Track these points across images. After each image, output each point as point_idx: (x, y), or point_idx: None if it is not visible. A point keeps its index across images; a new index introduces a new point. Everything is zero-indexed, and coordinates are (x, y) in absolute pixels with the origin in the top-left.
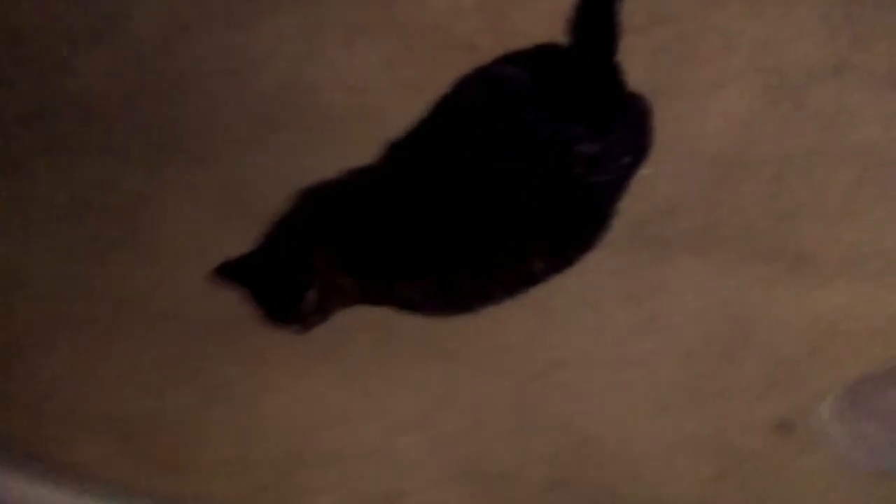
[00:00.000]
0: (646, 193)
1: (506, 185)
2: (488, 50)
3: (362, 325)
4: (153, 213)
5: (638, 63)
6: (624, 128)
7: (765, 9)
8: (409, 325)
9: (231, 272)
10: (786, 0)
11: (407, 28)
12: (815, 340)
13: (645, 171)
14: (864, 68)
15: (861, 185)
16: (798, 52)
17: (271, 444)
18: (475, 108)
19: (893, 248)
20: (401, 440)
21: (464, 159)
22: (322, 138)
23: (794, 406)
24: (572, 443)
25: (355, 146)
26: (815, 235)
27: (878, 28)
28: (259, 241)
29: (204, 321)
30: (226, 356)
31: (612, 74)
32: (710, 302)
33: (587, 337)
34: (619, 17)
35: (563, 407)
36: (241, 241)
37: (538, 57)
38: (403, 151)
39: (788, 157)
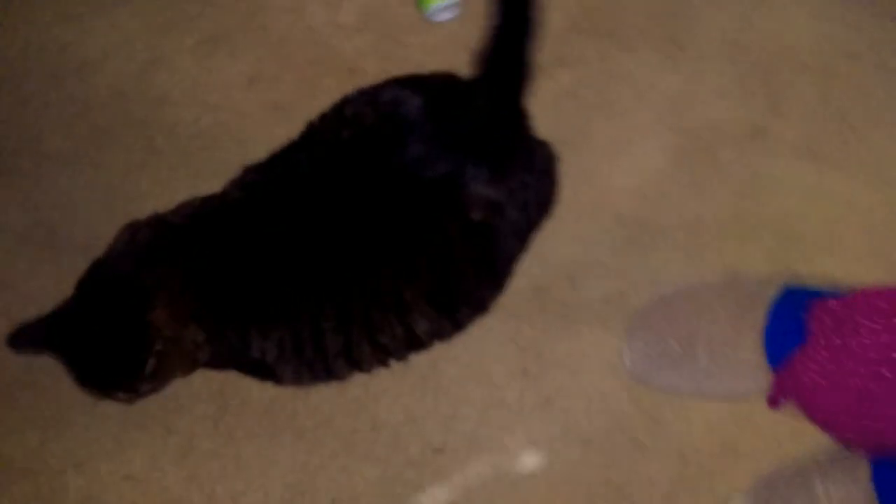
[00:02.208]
0: (548, 253)
1: (384, 226)
2: (371, 74)
3: (199, 393)
4: None
5: (542, 107)
6: (528, 175)
7: (679, 62)
8: (259, 396)
9: (33, 336)
10: (701, 55)
11: (278, 41)
12: (727, 432)
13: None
14: (780, 135)
15: (773, 261)
16: (714, 112)
17: None
18: (357, 134)
19: None
20: None
21: (333, 191)
22: (163, 159)
23: None
24: None
25: (203, 170)
26: None
27: (794, 94)
28: (74, 289)
29: None
30: (17, 422)
31: (517, 116)
32: (614, 382)
33: (475, 418)
34: (530, 55)
35: (443, 501)
36: (50, 279)
37: (435, 85)
38: (260, 177)
39: (701, 223)
